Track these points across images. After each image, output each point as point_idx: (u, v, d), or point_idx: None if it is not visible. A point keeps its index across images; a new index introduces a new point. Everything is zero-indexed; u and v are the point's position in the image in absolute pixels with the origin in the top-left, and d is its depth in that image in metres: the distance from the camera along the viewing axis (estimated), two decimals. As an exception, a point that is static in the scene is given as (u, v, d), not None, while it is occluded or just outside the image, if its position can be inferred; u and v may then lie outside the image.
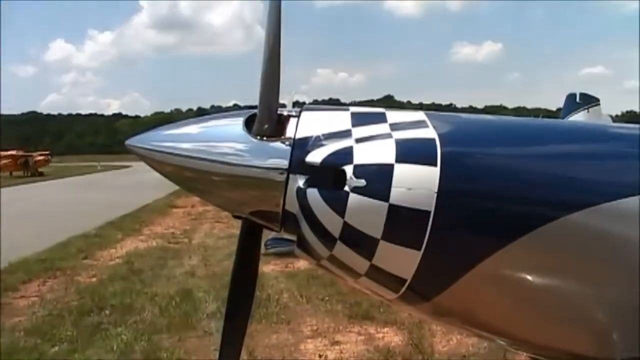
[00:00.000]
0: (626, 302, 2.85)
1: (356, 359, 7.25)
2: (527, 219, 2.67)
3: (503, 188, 2.69)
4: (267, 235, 10.89)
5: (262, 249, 10.96)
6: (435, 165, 2.56)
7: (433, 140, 2.63)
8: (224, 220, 18.11)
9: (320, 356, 7.46)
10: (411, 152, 2.61)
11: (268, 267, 12.18)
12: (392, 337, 7.84)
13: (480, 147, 2.81)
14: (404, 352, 7.17)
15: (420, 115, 2.81)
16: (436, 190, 2.54)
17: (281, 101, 2.93)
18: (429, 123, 2.73)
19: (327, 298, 9.82)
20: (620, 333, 2.91)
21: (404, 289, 2.71)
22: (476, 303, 2.90)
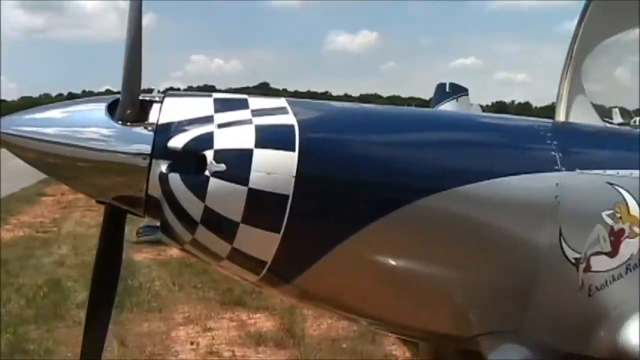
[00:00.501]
0: (483, 281, 3.04)
1: (228, 345, 7.30)
2: (383, 202, 2.80)
3: (360, 173, 2.81)
4: (140, 222, 10.72)
5: (135, 237, 10.72)
6: (294, 150, 2.65)
7: (292, 126, 2.72)
8: (95, 208, 17.59)
9: (192, 343, 7.47)
10: (270, 137, 2.68)
11: (140, 255, 12.02)
12: (264, 323, 7.94)
13: (340, 133, 2.91)
14: (276, 337, 7.28)
15: (281, 102, 2.87)
16: (294, 175, 2.63)
17: (153, 87, 2.94)
18: (289, 109, 2.80)
19: (199, 285, 9.80)
20: (477, 311, 3.10)
21: (264, 271, 2.78)
22: (338, 285, 3.01)
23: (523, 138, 3.31)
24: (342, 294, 3.06)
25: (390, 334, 5.83)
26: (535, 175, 2.99)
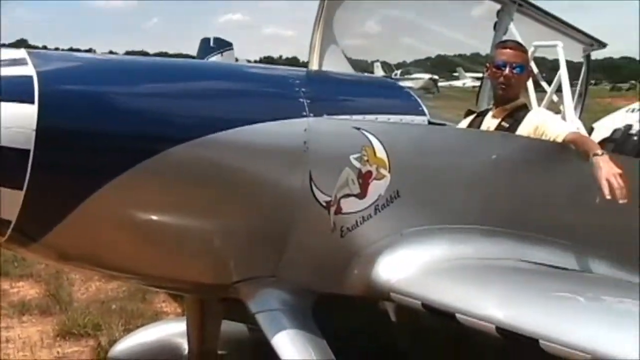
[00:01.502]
0: (237, 228, 3.07)
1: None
2: (130, 154, 2.73)
3: (104, 124, 2.72)
4: None
5: None
6: (33, 103, 2.51)
7: (30, 77, 2.57)
8: None
9: (-54, 319, 6.94)
10: (6, 89, 2.52)
11: None
12: (27, 291, 7.52)
13: (83, 84, 2.79)
14: (41, 304, 6.92)
15: (20, 53, 2.72)
16: (34, 129, 2.50)
17: None
18: (28, 61, 2.65)
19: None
20: (234, 258, 3.13)
21: (9, 231, 2.64)
22: (92, 242, 2.91)
23: (272, 86, 3.37)
24: (97, 250, 2.98)
25: (158, 290, 5.80)
26: (283, 121, 3.06)
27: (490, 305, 2.93)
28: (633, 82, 70.38)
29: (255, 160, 3.00)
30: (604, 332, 2.59)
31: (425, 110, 3.56)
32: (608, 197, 3.25)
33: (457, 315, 2.92)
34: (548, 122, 3.79)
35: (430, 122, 3.57)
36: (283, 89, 3.25)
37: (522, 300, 3.00)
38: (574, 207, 3.82)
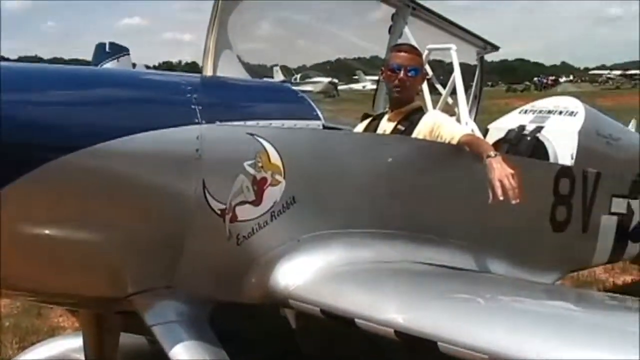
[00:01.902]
0: (130, 239, 2.98)
1: None
2: (17, 164, 2.64)
3: None
4: None
5: None
6: None
7: None
8: None
9: None
10: None
11: None
12: None
13: None
14: None
15: None
16: None
17: None
18: None
19: None
20: (129, 269, 3.04)
21: None
22: None
23: (164, 93, 3.29)
24: None
25: (52, 305, 5.60)
26: (175, 129, 2.99)
27: (389, 309, 2.94)
28: (527, 83, 73.20)
29: (147, 169, 2.93)
30: (503, 333, 2.62)
31: (320, 115, 3.55)
32: (501, 197, 3.32)
33: (357, 320, 2.92)
34: (443, 124, 3.86)
35: (325, 127, 3.56)
36: (175, 96, 3.17)
37: (421, 302, 3.02)
38: (470, 208, 3.90)
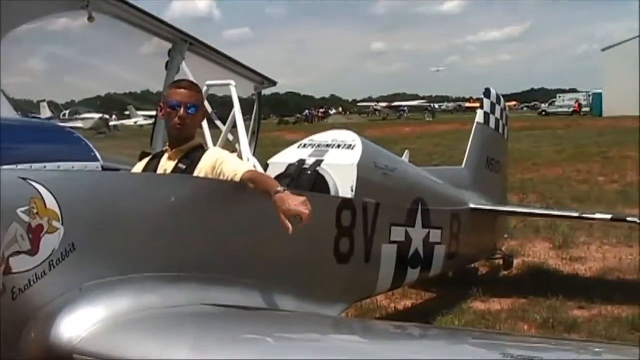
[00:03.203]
0: None
1: None
2: None
3: None
4: None
5: None
6: None
7: None
8: None
9: None
10: None
11: None
12: None
13: None
14: None
15: None
16: None
17: None
18: None
19: None
20: None
21: None
22: None
23: None
24: None
25: None
26: None
27: (181, 355, 2.90)
28: (299, 115, 75.97)
29: None
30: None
31: (99, 156, 3.45)
32: (302, 226, 3.41)
33: None
34: (225, 161, 3.88)
35: (104, 168, 3.45)
36: None
37: (211, 346, 3.01)
38: (255, 245, 3.95)
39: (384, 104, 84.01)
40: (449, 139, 30.01)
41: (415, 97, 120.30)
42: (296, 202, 3.48)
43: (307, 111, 78.36)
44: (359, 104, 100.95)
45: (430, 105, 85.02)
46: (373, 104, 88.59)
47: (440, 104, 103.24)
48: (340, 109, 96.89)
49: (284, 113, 78.24)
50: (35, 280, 3.02)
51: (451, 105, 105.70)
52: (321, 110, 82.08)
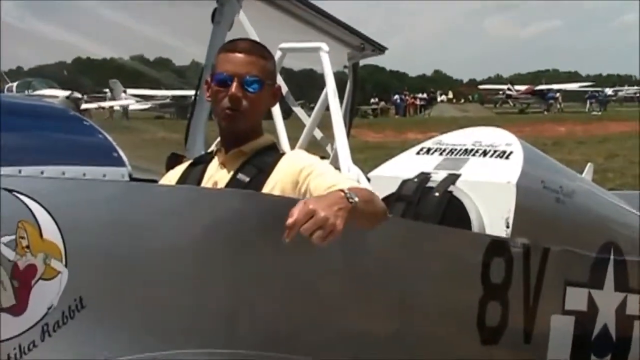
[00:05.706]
0: None
1: None
2: None
3: None
4: None
5: None
6: None
7: None
8: None
9: None
10: None
11: None
12: None
13: None
14: None
15: None
16: None
17: None
18: None
19: None
20: None
21: None
22: None
23: None
24: None
25: None
26: None
27: None
28: (383, 103, 76.44)
29: None
30: None
31: (124, 158, 3.33)
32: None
33: None
34: (314, 171, 3.71)
35: (132, 178, 3.34)
36: None
37: None
38: (356, 314, 3.87)
39: (522, 88, 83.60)
40: (630, 147, 29.42)
41: (574, 76, 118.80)
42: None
43: (396, 96, 78.23)
44: (480, 87, 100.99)
45: (598, 91, 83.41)
46: (504, 86, 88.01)
47: (617, 89, 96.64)
48: (450, 94, 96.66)
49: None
50: (19, 356, 2.91)
51: (635, 90, 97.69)
52: (420, 96, 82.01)
